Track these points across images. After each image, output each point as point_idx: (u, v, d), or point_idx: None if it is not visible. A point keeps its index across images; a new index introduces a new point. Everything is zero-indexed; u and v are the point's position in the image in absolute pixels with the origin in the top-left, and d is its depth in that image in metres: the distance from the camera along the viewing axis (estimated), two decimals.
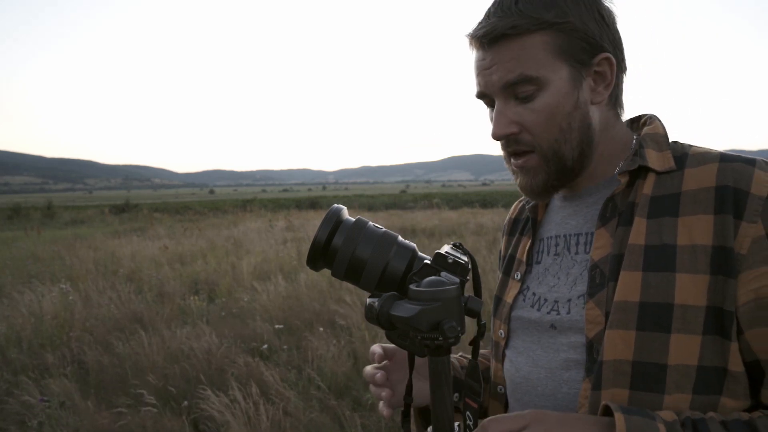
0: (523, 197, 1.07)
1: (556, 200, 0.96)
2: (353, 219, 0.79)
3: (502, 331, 0.96)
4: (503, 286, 1.00)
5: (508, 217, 1.11)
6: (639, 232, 0.78)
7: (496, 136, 0.84)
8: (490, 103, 0.87)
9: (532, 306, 0.91)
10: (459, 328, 0.66)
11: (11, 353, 5.05)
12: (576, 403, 0.80)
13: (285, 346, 4.97)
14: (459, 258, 0.73)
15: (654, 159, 0.82)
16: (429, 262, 0.74)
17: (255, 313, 6.03)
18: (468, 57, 0.89)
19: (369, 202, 33.43)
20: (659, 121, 0.89)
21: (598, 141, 0.85)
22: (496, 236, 11.49)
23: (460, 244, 0.77)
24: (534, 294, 0.92)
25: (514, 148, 0.84)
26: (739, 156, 0.77)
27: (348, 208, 0.83)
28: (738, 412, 0.72)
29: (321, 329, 5.25)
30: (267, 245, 11.46)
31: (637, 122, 0.93)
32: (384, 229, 0.78)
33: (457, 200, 33.08)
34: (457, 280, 0.71)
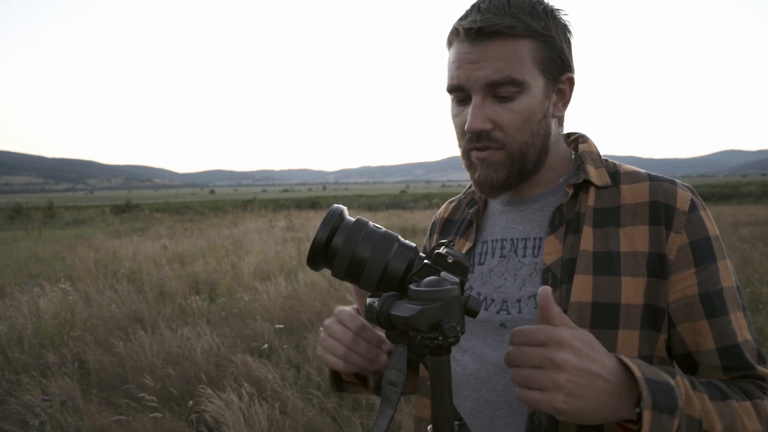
0: (455, 198, 1.12)
1: (497, 205, 1.00)
2: (353, 219, 0.79)
3: None
4: None
5: (438, 216, 1.12)
6: (587, 239, 0.87)
7: (471, 130, 0.86)
8: (462, 98, 0.89)
9: None
10: (459, 328, 0.67)
11: (12, 353, 5.05)
12: None
13: (285, 346, 4.97)
14: (459, 257, 0.73)
15: (594, 174, 0.91)
16: (429, 262, 0.74)
17: (255, 313, 6.03)
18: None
19: (369, 202, 33.42)
20: (591, 140, 0.99)
21: (550, 152, 0.93)
22: None
23: (451, 243, 0.77)
24: (479, 294, 0.95)
25: (484, 144, 0.88)
26: (662, 176, 0.90)
27: (348, 208, 0.83)
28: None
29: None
30: (267, 245, 11.46)
31: (570, 139, 1.02)
32: (384, 229, 0.78)
33: None
34: (457, 279, 0.71)
